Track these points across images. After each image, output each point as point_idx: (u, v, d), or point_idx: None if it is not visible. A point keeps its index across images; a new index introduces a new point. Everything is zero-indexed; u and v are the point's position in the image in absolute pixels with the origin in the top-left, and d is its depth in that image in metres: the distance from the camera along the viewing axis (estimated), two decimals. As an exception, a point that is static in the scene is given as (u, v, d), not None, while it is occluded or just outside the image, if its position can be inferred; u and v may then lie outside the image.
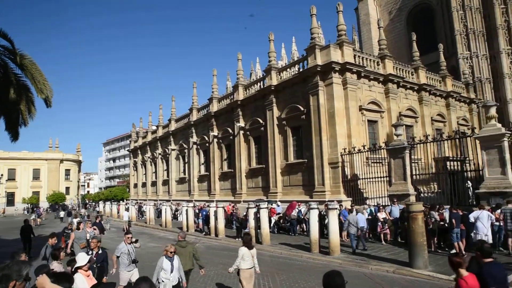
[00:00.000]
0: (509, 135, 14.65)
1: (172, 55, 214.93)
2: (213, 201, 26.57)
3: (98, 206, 49.61)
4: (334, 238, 14.21)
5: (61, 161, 71.76)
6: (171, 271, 7.29)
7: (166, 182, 42.83)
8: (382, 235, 16.31)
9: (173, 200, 38.29)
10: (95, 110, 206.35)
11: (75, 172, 75.67)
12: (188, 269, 8.19)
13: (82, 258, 5.58)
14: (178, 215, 31.12)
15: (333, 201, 16.79)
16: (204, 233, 22.48)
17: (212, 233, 21.08)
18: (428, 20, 43.99)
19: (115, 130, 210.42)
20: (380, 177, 18.96)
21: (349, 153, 20.22)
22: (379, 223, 16.47)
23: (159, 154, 44.50)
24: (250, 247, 7.85)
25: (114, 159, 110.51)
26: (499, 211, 13.35)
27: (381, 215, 16.41)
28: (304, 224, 19.79)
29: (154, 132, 47.51)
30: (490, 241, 13.20)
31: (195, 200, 32.65)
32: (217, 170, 32.14)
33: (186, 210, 24.24)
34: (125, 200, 51.75)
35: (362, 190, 20.01)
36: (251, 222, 18.36)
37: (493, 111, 15.30)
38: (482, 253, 5.32)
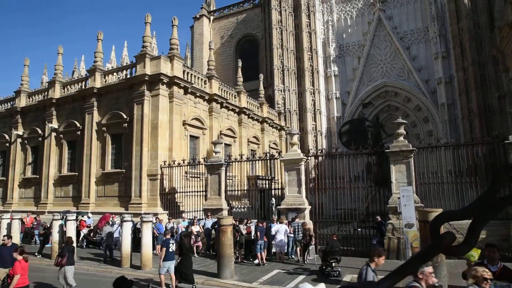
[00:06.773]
0: (305, 160, 17.23)
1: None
2: (8, 211, 22.90)
3: None
4: (146, 252, 13.95)
5: None
6: None
7: None
8: (195, 248, 16.81)
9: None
10: None
11: None
12: None
13: None
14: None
15: (149, 213, 16.54)
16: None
17: (1, 251, 17.95)
18: (254, 51, 48.61)
19: None
20: (197, 191, 19.71)
21: (169, 166, 20.33)
22: (193, 236, 16.95)
23: None
24: None
25: None
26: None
27: (195, 228, 16.95)
28: (116, 238, 18.79)
29: None
30: (285, 250, 15.25)
31: (-17, 211, 27.38)
32: (18, 176, 27.76)
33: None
34: None
35: (179, 204, 20.29)
36: (55, 236, 16.48)
37: (295, 139, 17.81)
38: None
